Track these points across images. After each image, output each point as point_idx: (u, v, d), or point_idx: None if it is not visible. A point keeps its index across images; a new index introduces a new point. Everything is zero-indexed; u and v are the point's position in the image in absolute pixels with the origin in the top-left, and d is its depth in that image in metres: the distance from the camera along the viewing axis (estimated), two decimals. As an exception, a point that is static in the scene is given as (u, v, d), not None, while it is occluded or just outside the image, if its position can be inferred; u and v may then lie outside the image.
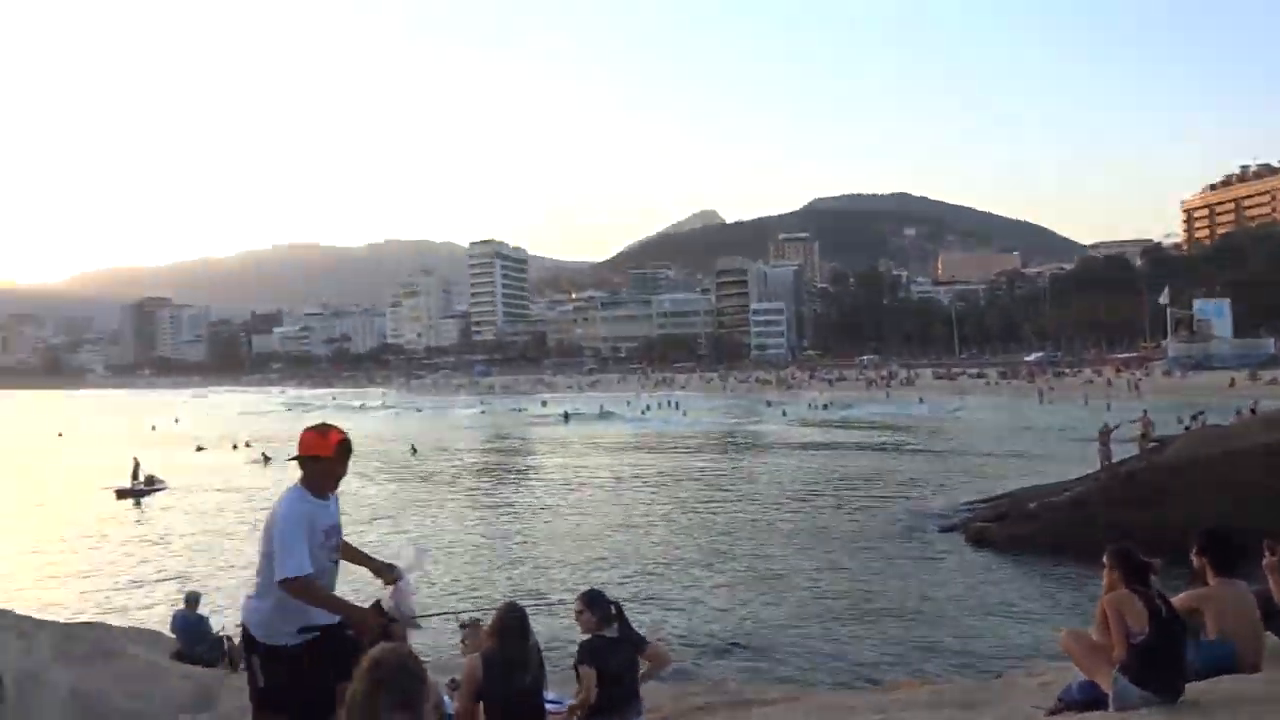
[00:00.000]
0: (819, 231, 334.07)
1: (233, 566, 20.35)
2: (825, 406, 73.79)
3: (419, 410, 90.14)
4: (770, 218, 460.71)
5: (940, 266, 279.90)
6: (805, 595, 16.36)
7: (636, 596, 15.93)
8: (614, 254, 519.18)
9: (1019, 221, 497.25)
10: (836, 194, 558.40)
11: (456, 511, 27.80)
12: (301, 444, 4.12)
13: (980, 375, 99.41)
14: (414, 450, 45.36)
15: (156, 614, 14.96)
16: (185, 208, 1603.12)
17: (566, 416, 70.25)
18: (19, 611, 9.90)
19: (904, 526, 22.06)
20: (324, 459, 4.07)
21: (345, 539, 4.34)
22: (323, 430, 4.15)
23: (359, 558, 4.47)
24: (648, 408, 78.64)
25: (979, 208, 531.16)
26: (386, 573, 4.40)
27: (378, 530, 23.65)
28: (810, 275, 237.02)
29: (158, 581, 19.15)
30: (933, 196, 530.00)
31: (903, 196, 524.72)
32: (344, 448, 4.10)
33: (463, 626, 9.01)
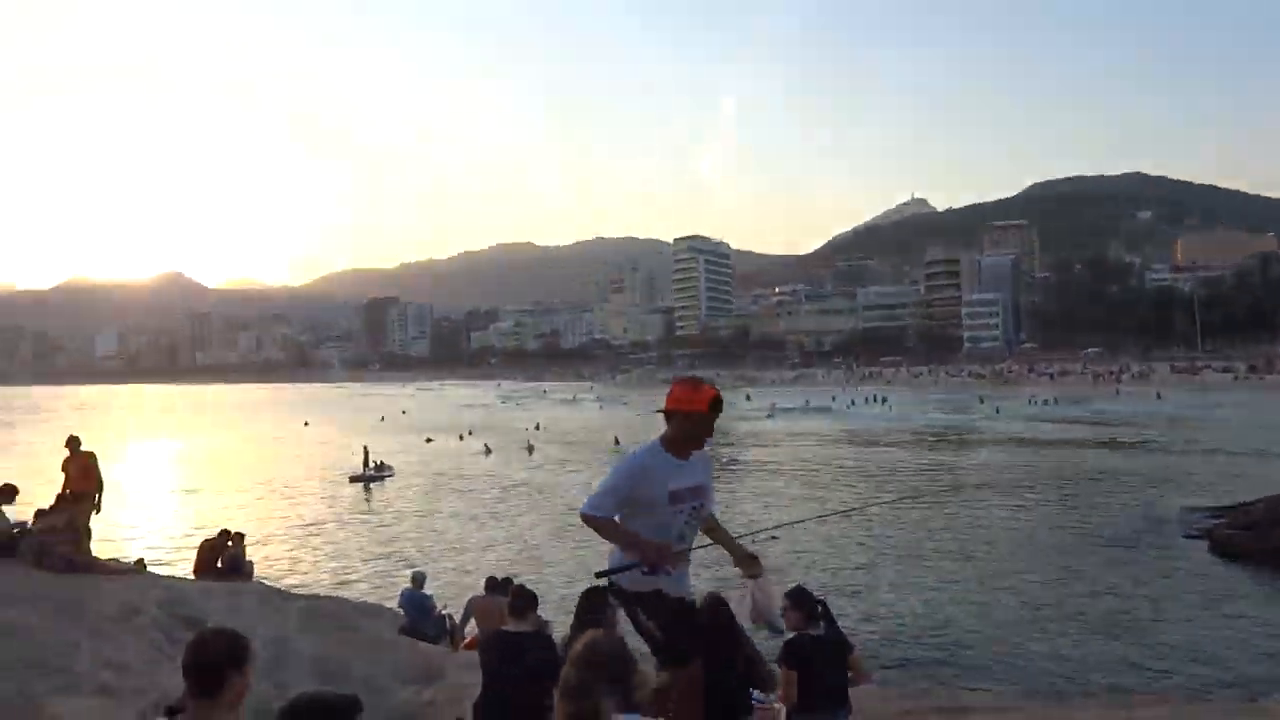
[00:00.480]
0: (1039, 217, 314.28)
1: (454, 549, 21.61)
2: (1046, 402, 69.48)
3: (625, 403, 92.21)
4: (985, 204, 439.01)
5: (1180, 251, 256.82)
6: (1025, 598, 15.50)
7: (842, 592, 15.61)
8: (819, 246, 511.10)
9: (1275, 200, 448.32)
10: (1059, 176, 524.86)
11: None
12: (671, 397, 3.85)
13: (1227, 370, 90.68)
14: (616, 441, 46.38)
15: (385, 591, 16.06)
16: (412, 214, 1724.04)
17: (772, 411, 69.72)
18: (268, 583, 10.92)
19: (1138, 531, 20.48)
20: (692, 414, 3.79)
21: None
22: (695, 384, 3.86)
23: (723, 538, 4.20)
24: (853, 402, 76.97)
25: (1227, 185, 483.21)
26: (747, 564, 4.19)
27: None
28: (1029, 264, 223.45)
29: (386, 561, 20.51)
30: (1172, 175, 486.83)
31: (1136, 176, 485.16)
32: (716, 405, 3.81)
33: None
